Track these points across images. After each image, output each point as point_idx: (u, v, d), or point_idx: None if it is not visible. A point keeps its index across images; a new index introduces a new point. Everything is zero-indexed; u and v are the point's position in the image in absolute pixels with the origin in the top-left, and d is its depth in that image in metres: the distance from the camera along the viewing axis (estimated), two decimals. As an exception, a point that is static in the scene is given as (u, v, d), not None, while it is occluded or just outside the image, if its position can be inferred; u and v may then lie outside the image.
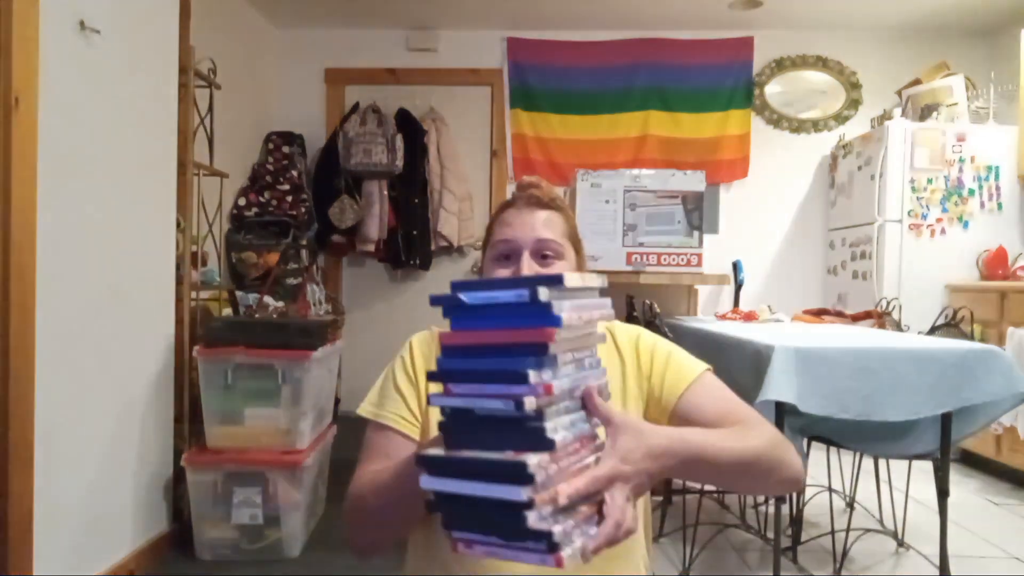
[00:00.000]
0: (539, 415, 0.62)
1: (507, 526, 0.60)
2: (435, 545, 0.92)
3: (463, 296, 0.67)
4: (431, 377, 0.68)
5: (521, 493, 0.58)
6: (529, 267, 0.97)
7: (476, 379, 0.65)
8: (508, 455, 0.61)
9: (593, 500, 0.66)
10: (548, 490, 0.61)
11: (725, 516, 2.74)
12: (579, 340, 0.70)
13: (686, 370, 1.00)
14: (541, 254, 0.99)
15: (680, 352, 1.04)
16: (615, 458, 0.68)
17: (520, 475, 0.59)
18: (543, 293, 0.63)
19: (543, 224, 1.00)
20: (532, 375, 0.62)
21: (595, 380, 0.73)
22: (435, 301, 0.69)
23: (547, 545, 0.59)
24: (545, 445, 0.62)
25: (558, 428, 0.64)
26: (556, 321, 0.63)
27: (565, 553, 0.59)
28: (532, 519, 0.59)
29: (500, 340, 0.65)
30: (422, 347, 1.03)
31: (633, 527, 0.66)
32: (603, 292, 0.76)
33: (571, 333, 0.67)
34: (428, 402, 0.80)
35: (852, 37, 4.33)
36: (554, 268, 0.98)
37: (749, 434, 0.88)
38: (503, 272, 0.99)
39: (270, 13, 4.18)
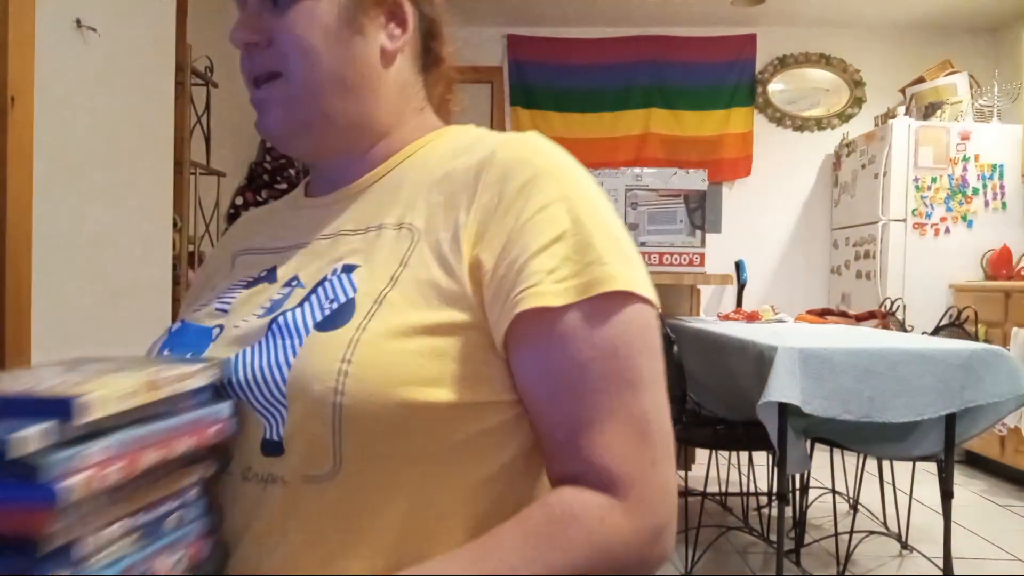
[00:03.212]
0: None
1: None
2: None
3: None
4: None
5: None
6: (250, 24, 0.60)
7: None
8: None
9: None
10: None
11: (728, 518, 2.72)
12: (143, 494, 0.44)
13: (591, 270, 0.52)
14: None
15: (605, 229, 0.54)
16: None
17: None
18: (20, 445, 0.36)
19: None
20: None
21: (181, 549, 0.46)
22: None
23: None
24: None
25: None
26: (49, 496, 0.36)
27: None
28: None
29: None
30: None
31: None
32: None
33: (113, 496, 0.41)
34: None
35: (855, 35, 4.31)
36: (290, 19, 0.58)
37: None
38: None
39: (270, 11, 4.16)
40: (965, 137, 3.63)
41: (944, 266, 3.62)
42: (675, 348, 2.13)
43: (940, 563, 1.97)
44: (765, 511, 2.74)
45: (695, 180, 2.83)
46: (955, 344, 1.92)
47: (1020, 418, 3.01)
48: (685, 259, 2.81)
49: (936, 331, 2.51)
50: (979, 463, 3.44)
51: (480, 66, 4.38)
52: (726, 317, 2.85)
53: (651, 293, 0.54)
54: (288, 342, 0.52)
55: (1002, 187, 3.64)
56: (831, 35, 4.32)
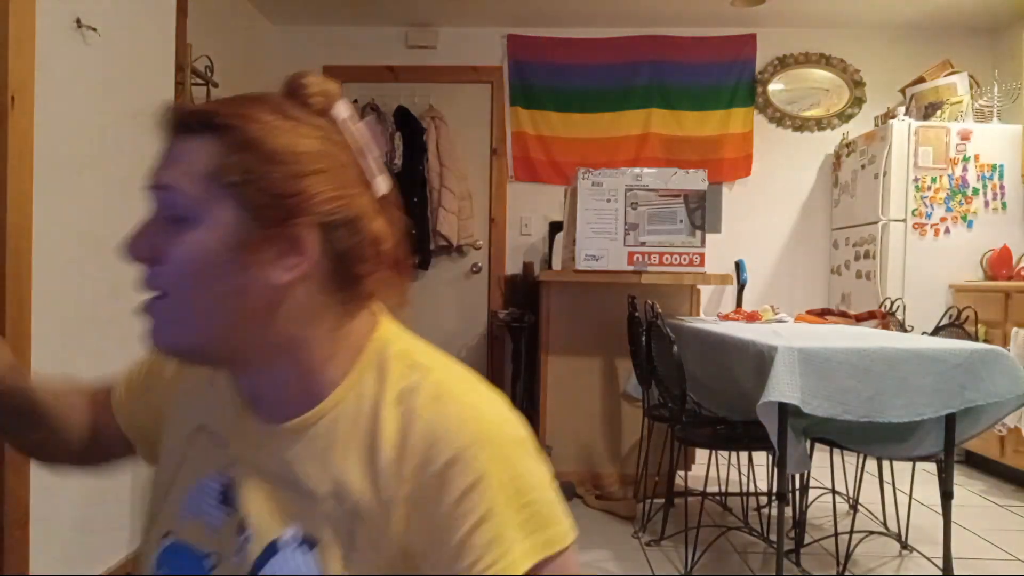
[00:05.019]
0: None
1: None
2: None
3: None
4: None
5: None
6: (141, 240, 0.61)
7: None
8: None
9: None
10: None
11: (728, 518, 2.72)
12: None
13: (494, 550, 0.55)
14: (165, 214, 0.60)
15: (507, 521, 0.56)
16: None
17: None
18: None
19: (171, 160, 0.61)
20: None
21: None
22: None
23: None
24: None
25: None
26: None
27: None
28: None
29: None
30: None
31: None
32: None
33: None
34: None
35: (855, 35, 4.31)
36: (180, 245, 0.59)
37: None
38: None
39: (268, 10, 4.16)
40: (965, 137, 3.63)
41: (944, 266, 3.62)
42: (675, 348, 2.13)
43: (940, 563, 1.97)
44: (765, 511, 2.74)
45: (695, 180, 2.83)
46: (955, 344, 1.92)
47: (1020, 418, 3.01)
48: (685, 259, 2.82)
49: (936, 331, 2.51)
50: (979, 463, 3.45)
51: (480, 66, 4.38)
52: (726, 317, 2.85)
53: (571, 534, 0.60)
54: None
55: (1002, 187, 3.64)
56: (831, 35, 4.32)
